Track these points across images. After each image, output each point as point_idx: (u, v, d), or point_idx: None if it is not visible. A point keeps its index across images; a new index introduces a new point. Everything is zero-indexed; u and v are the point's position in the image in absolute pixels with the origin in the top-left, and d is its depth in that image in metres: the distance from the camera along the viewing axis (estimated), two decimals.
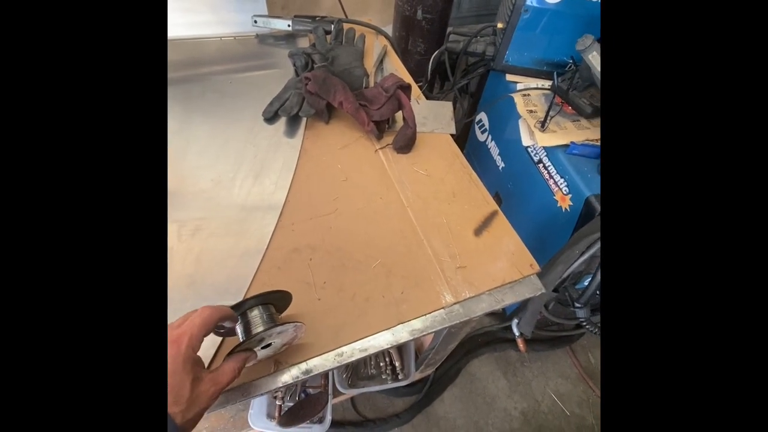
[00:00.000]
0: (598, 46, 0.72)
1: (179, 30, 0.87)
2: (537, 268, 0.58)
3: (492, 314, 1.41)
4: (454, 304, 0.54)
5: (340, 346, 0.49)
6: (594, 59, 0.72)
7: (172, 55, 0.85)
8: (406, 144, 0.69)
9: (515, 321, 1.09)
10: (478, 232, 0.61)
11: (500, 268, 0.57)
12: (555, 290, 0.93)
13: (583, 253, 0.81)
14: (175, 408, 0.33)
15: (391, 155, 0.70)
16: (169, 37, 0.87)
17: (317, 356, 0.49)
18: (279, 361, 0.48)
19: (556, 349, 1.37)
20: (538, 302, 0.93)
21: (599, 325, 1.02)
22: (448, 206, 0.64)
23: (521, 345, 1.15)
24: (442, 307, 0.53)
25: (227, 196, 0.62)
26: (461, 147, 1.44)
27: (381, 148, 0.71)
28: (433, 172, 0.68)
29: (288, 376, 0.47)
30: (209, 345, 0.48)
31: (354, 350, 0.50)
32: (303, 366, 0.48)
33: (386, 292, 0.54)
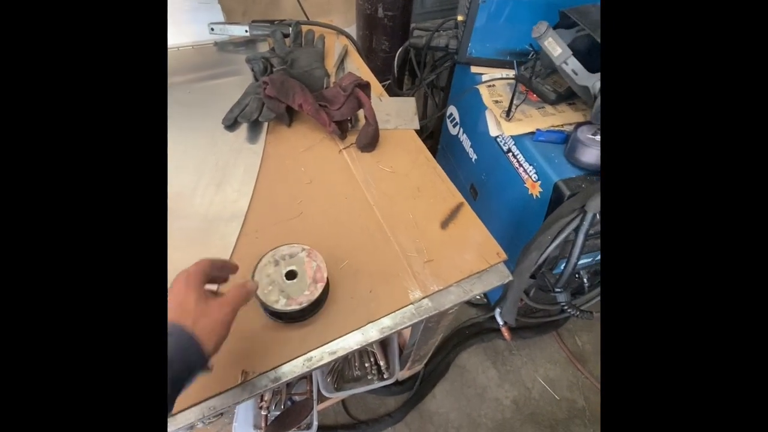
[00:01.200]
0: (552, 32, 0.72)
1: None
2: (504, 256, 0.58)
3: (477, 305, 1.42)
4: (423, 298, 0.54)
5: (308, 351, 0.49)
6: (550, 45, 0.73)
7: None
8: (369, 142, 0.69)
9: (497, 311, 1.10)
10: (444, 225, 0.61)
11: (467, 260, 0.57)
12: (532, 276, 0.94)
13: (555, 238, 0.82)
14: (183, 318, 0.35)
15: (356, 154, 0.70)
16: None
17: (286, 363, 0.48)
18: (246, 371, 0.47)
19: (543, 335, 1.38)
20: (516, 290, 0.94)
21: (581, 307, 1.03)
22: (414, 201, 0.64)
23: (506, 334, 1.16)
24: (411, 303, 0.53)
25: (188, 207, 0.61)
26: (436, 142, 1.45)
27: (345, 148, 0.70)
28: (397, 169, 0.68)
29: (256, 386, 0.47)
30: None
31: (324, 354, 0.49)
32: (272, 374, 0.47)
33: (354, 293, 0.53)
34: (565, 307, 1.00)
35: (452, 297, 0.54)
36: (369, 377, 0.91)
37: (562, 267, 0.96)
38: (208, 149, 0.69)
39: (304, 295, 0.48)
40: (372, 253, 0.57)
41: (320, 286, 0.49)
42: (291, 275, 0.49)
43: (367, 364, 0.93)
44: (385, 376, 0.89)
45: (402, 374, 1.18)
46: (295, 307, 0.47)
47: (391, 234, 0.59)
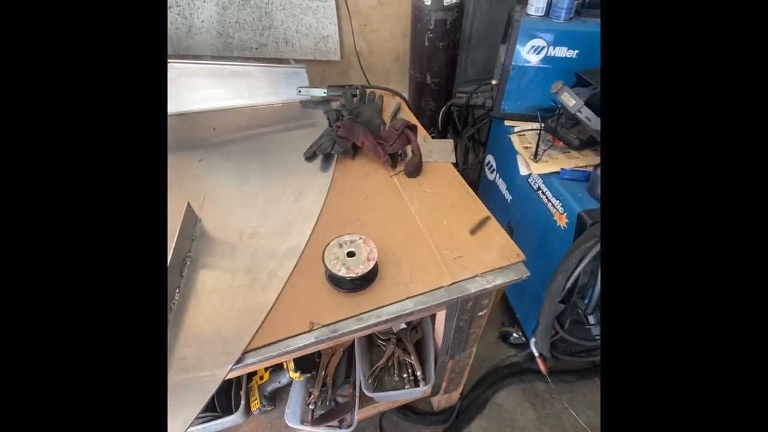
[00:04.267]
0: (567, 88, 0.89)
1: (244, 100, 1.15)
2: (523, 257, 0.70)
3: (515, 345, 1.44)
4: (453, 283, 0.66)
5: (359, 314, 0.63)
6: (565, 98, 0.89)
7: (236, 120, 1.12)
8: (414, 169, 0.87)
9: (533, 340, 1.14)
10: (473, 231, 0.75)
11: (491, 257, 0.70)
12: (563, 302, 1.00)
13: (579, 262, 0.91)
14: None
15: (404, 179, 0.88)
16: (234, 106, 1.14)
17: (342, 320, 0.62)
18: (313, 323, 0.61)
19: (584, 380, 1.36)
20: (547, 313, 1.00)
21: None
22: (448, 214, 0.79)
23: (542, 366, 1.18)
24: (442, 286, 0.66)
25: (275, 211, 0.81)
26: (475, 189, 1.60)
27: (395, 174, 0.89)
28: (436, 190, 0.84)
29: (320, 333, 0.60)
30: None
31: (371, 316, 0.63)
32: (332, 327, 0.61)
33: (397, 276, 0.68)
34: (600, 341, 1.03)
35: (477, 284, 0.66)
36: (407, 386, 0.99)
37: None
38: (291, 174, 0.91)
39: (360, 268, 0.63)
40: (412, 249, 0.72)
41: (372, 263, 0.64)
42: (351, 254, 0.65)
43: (405, 375, 1.01)
44: (420, 385, 0.97)
45: (438, 401, 1.23)
46: (352, 275, 0.62)
47: (429, 236, 0.74)
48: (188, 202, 0.74)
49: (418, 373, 0.99)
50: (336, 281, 0.65)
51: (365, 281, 0.65)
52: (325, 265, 0.63)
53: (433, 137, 1.35)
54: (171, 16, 1.17)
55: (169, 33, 1.20)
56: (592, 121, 0.89)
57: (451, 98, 1.37)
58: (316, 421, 0.94)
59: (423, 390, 0.96)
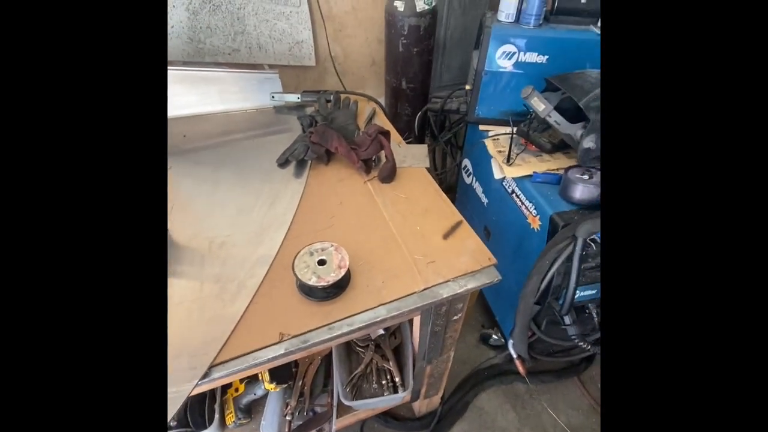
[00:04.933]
0: (537, 92, 0.91)
1: (216, 106, 1.13)
2: (494, 260, 0.70)
3: (495, 347, 1.45)
4: (425, 289, 0.66)
5: (331, 323, 0.62)
6: (535, 103, 0.91)
7: (207, 127, 1.09)
8: (388, 175, 0.86)
9: (510, 342, 1.15)
10: (445, 236, 0.75)
11: (463, 262, 0.70)
12: (538, 303, 1.02)
13: (552, 263, 0.92)
14: None
15: (377, 185, 0.88)
16: (205, 112, 1.12)
17: (314, 330, 0.61)
18: (282, 333, 0.60)
19: (563, 380, 1.38)
20: (523, 314, 1.01)
21: (593, 342, 1.08)
22: (422, 219, 0.79)
23: (520, 367, 1.19)
24: (415, 292, 0.66)
25: (247, 218, 0.79)
26: (454, 194, 1.62)
27: (369, 180, 0.88)
28: (410, 195, 0.84)
29: (290, 344, 0.59)
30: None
31: (343, 325, 0.62)
32: (302, 338, 0.60)
33: (369, 283, 0.67)
34: (578, 341, 1.05)
35: (449, 289, 0.66)
36: (385, 393, 0.98)
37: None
38: (265, 180, 0.90)
39: (331, 276, 0.62)
40: (385, 255, 0.72)
41: (343, 271, 0.63)
42: (322, 262, 0.64)
43: (383, 382, 1.01)
44: (399, 391, 0.96)
45: (419, 406, 1.22)
46: (323, 284, 0.61)
47: (402, 242, 0.74)
48: None
49: (397, 380, 0.98)
50: (307, 290, 0.64)
51: (337, 289, 0.64)
52: (296, 274, 0.62)
53: (409, 142, 1.35)
54: None
55: None
56: (561, 125, 0.91)
57: (427, 103, 1.38)
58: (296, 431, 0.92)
59: (402, 396, 0.95)
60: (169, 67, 1.05)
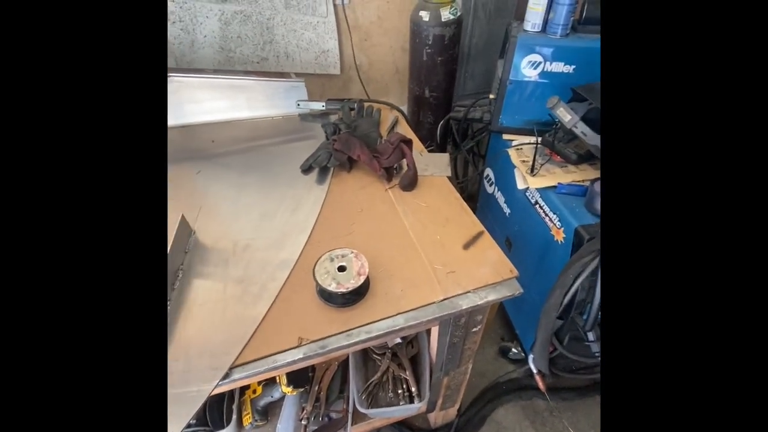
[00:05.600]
0: (563, 103, 0.89)
1: (243, 113, 1.16)
2: (516, 272, 0.69)
3: (515, 361, 1.42)
4: (444, 299, 0.66)
5: (349, 329, 0.62)
6: (561, 113, 0.89)
7: (235, 133, 1.13)
8: (409, 183, 0.87)
9: (531, 356, 1.12)
10: (466, 246, 0.74)
11: (484, 273, 0.69)
12: (560, 317, 0.99)
13: (577, 277, 0.90)
14: None
15: (399, 193, 0.88)
16: (233, 118, 1.16)
17: (332, 336, 0.61)
18: (302, 338, 0.61)
19: (586, 398, 1.33)
20: (544, 329, 0.98)
21: None
22: (442, 228, 0.78)
23: (540, 383, 1.16)
24: (434, 302, 0.65)
25: (270, 223, 0.81)
26: (475, 203, 1.60)
27: (390, 188, 0.89)
28: (431, 204, 0.84)
29: (309, 349, 0.60)
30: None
31: (361, 332, 0.62)
32: (320, 343, 0.61)
33: (388, 291, 0.67)
34: (600, 358, 1.01)
35: (468, 300, 0.66)
36: (402, 403, 0.98)
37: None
38: (288, 186, 0.91)
39: (351, 282, 0.63)
40: (405, 264, 0.72)
41: (362, 278, 0.63)
42: (342, 269, 0.65)
43: (399, 391, 1.00)
44: (415, 401, 0.95)
45: (435, 418, 1.20)
46: (342, 290, 0.62)
47: (422, 251, 0.74)
48: (182, 215, 0.74)
49: (413, 389, 0.97)
50: (326, 296, 0.64)
51: (356, 296, 0.65)
52: (316, 280, 0.63)
53: (431, 150, 1.35)
54: (174, 30, 1.19)
55: (173, 47, 1.22)
56: (588, 136, 0.89)
57: (450, 112, 1.37)
58: None
59: (418, 407, 0.94)
60: (199, 75, 1.09)
